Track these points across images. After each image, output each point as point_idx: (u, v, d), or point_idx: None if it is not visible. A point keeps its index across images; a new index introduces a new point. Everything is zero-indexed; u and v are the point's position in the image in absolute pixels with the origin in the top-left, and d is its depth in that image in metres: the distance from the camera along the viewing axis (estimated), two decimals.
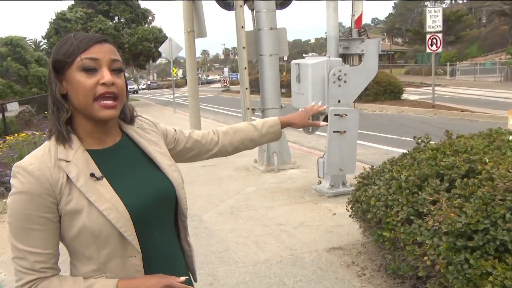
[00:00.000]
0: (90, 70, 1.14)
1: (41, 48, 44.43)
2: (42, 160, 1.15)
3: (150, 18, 30.64)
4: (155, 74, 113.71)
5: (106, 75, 1.15)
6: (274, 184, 6.58)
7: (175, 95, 21.89)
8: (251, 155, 8.41)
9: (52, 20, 25.49)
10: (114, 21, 27.77)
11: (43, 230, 1.13)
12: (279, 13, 7.63)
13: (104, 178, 1.18)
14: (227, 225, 4.96)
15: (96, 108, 1.15)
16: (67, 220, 1.15)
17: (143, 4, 30.09)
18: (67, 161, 1.15)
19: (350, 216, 3.95)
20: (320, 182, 6.06)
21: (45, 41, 26.51)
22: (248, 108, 6.98)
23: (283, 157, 7.39)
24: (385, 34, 73.99)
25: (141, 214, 1.21)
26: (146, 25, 29.23)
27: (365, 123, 13.05)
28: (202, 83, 67.71)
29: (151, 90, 62.70)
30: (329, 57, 5.42)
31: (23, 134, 9.31)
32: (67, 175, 1.14)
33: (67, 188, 1.14)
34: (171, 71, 21.63)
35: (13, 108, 20.24)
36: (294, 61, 5.68)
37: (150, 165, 1.32)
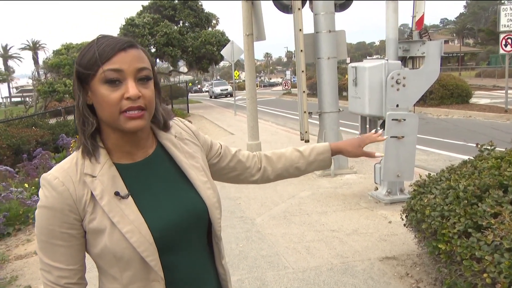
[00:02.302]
0: (114, 82, 1.05)
1: None
2: (67, 174, 1.10)
3: (214, 22, 31.24)
4: (218, 77, 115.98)
5: (131, 89, 1.05)
6: (329, 189, 6.46)
7: (237, 97, 22.19)
8: None
9: (122, 26, 26.68)
10: (179, 25, 28.58)
11: (67, 246, 1.10)
12: (340, 14, 7.50)
13: (129, 196, 1.11)
14: (278, 229, 4.93)
15: (122, 120, 1.07)
16: (90, 237, 1.11)
17: (208, 8, 30.99)
18: (93, 176, 1.10)
19: (404, 225, 3.80)
20: (376, 189, 5.88)
21: None
22: (305, 112, 6.91)
23: (340, 161, 7.25)
24: (454, 35, 70.76)
25: (167, 236, 1.12)
26: (210, 29, 29.86)
27: (428, 128, 12.53)
28: (264, 86, 68.34)
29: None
30: (387, 60, 5.25)
31: None
32: (92, 192, 1.09)
33: (91, 205, 1.09)
34: (232, 74, 21.92)
35: None
36: (351, 64, 5.56)
37: (182, 180, 1.21)
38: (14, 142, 8.93)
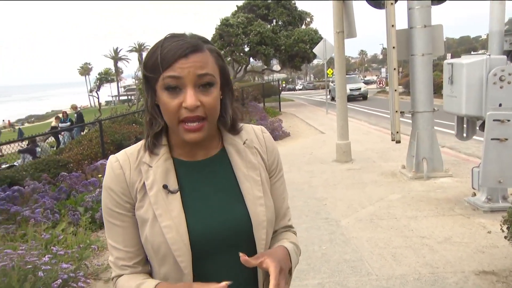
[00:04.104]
0: (174, 89, 1.02)
1: None
2: (127, 159, 1.13)
3: (308, 20, 31.11)
4: (312, 75, 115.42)
5: (189, 98, 1.01)
6: (421, 193, 6.11)
7: (329, 95, 21.88)
8: (399, 160, 7.98)
9: (217, 26, 27.58)
10: (272, 24, 28.85)
11: (122, 227, 1.13)
12: (439, 8, 7.05)
13: (178, 192, 1.10)
14: (364, 233, 4.76)
15: (180, 130, 1.05)
16: (139, 224, 1.12)
17: (301, 6, 30.83)
18: (149, 166, 1.11)
19: (505, 237, 3.46)
20: (474, 194, 5.43)
21: None
22: (396, 111, 6.60)
23: (434, 163, 6.82)
24: None
25: (204, 242, 1.09)
26: (303, 27, 29.77)
27: None
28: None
29: (307, 91, 63.88)
30: (489, 55, 4.81)
31: None
32: (144, 181, 1.10)
33: (141, 193, 1.10)
34: (325, 71, 21.65)
35: None
36: (446, 61, 5.19)
37: (235, 191, 1.15)
38: (116, 137, 9.62)
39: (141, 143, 1.16)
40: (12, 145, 10.07)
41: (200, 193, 1.13)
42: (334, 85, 27.98)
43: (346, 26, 8.33)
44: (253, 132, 1.24)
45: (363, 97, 29.71)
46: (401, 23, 6.87)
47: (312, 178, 7.64)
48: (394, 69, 6.57)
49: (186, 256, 1.07)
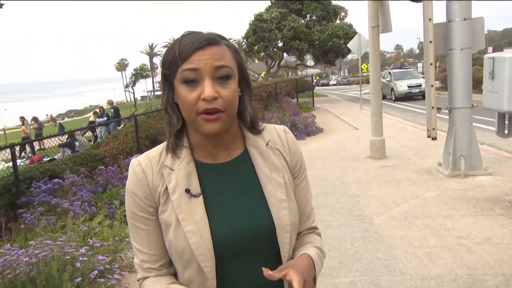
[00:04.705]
0: (191, 82, 1.02)
1: (242, 48, 48.61)
2: (150, 162, 1.13)
3: (343, 14, 30.73)
4: (346, 70, 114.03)
5: (207, 89, 1.01)
6: (458, 191, 5.94)
7: (364, 91, 21.54)
8: (435, 157, 7.79)
9: (251, 22, 27.61)
10: (306, 19, 28.66)
11: (147, 230, 1.13)
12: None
13: (201, 196, 1.09)
14: (398, 231, 4.67)
15: (199, 122, 1.04)
16: (162, 228, 1.12)
17: (336, 1, 30.38)
18: (171, 170, 1.10)
19: None
20: None
21: (245, 41, 28.86)
22: (433, 107, 6.43)
23: (472, 161, 6.61)
24: None
25: (227, 246, 1.08)
26: (338, 22, 29.43)
27: None
28: None
29: (341, 86, 63.20)
30: None
31: None
32: (166, 185, 1.10)
33: (163, 197, 1.10)
34: (359, 67, 21.33)
35: None
36: (487, 55, 5.03)
37: (258, 193, 1.13)
38: (151, 132, 9.79)
39: (162, 145, 1.16)
40: (53, 139, 10.40)
41: (222, 197, 1.12)
42: (387, 80, 24.53)
43: (381, 21, 8.17)
44: (275, 132, 1.22)
45: (424, 95, 24.34)
46: (439, 16, 6.69)
47: (345, 174, 7.56)
48: (431, 64, 6.40)
49: (210, 261, 1.06)
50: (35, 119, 21.61)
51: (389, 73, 25.77)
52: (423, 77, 18.36)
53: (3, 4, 9.69)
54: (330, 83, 78.81)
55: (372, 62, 8.63)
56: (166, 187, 1.10)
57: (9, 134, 27.41)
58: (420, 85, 22.31)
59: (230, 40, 1.19)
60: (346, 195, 6.25)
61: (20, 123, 22.34)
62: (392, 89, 24.04)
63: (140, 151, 8.78)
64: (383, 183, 6.73)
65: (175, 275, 1.16)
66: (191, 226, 1.06)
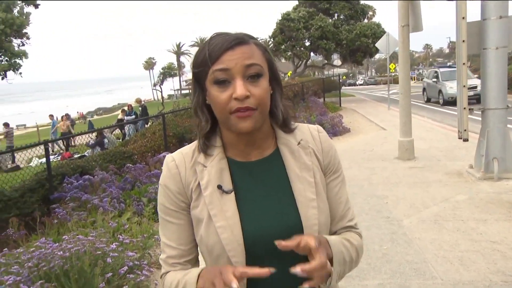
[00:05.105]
0: (223, 82, 1.03)
1: (269, 47, 48.53)
2: (183, 159, 1.15)
3: (370, 13, 30.41)
4: (373, 70, 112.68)
5: (238, 89, 1.01)
6: (491, 195, 5.78)
7: (392, 91, 21.23)
8: (466, 159, 7.63)
9: (278, 21, 27.57)
10: (334, 18, 28.45)
11: (177, 224, 1.15)
12: None
13: (233, 192, 1.10)
14: (428, 234, 4.59)
15: (232, 121, 1.04)
16: (194, 224, 1.14)
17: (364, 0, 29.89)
18: (204, 166, 1.12)
19: None
20: None
21: (272, 40, 28.82)
22: (464, 108, 6.29)
23: (506, 164, 6.43)
24: None
25: (257, 244, 1.08)
26: (366, 21, 29.12)
27: None
28: (422, 79, 64.29)
29: (368, 86, 62.52)
30: None
31: None
32: (199, 181, 1.11)
33: (196, 193, 1.12)
34: (387, 66, 21.04)
35: None
36: None
37: (288, 192, 1.13)
38: (178, 131, 9.89)
39: (196, 143, 1.18)
40: (83, 136, 10.63)
41: (253, 194, 1.12)
42: (434, 81, 21.02)
43: (411, 20, 8.04)
44: (308, 132, 1.21)
45: (478, 100, 14.17)
46: (473, 13, 6.52)
47: (372, 175, 7.47)
48: (463, 64, 6.26)
49: (240, 256, 1.07)
50: (67, 116, 22.15)
51: (436, 72, 22.58)
52: (477, 77, 16.83)
53: (39, 5, 9.95)
54: (357, 82, 78.11)
55: (402, 62, 8.50)
56: (199, 183, 1.12)
57: (40, 131, 28.17)
58: (476, 87, 16.74)
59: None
60: (374, 196, 6.17)
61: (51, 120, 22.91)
62: (440, 91, 20.70)
63: (167, 149, 8.89)
64: (412, 185, 6.61)
65: None
66: (222, 221, 1.08)
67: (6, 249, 3.69)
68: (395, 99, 22.43)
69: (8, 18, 8.86)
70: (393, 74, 26.22)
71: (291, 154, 1.15)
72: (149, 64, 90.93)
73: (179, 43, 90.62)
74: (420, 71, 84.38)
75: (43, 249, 3.34)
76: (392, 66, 22.56)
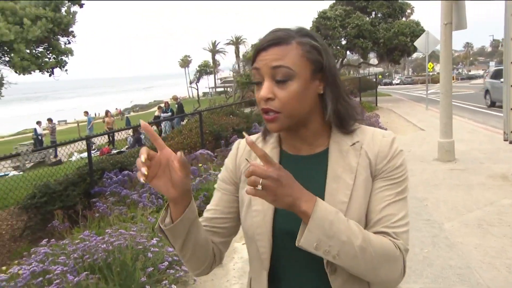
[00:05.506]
0: (257, 82, 1.06)
1: None
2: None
3: (409, 11, 29.77)
4: (410, 69, 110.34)
5: (262, 90, 1.04)
6: None
7: (430, 91, 20.73)
8: (511, 162, 7.34)
9: (314, 19, 27.37)
10: (371, 17, 28.00)
11: (222, 193, 1.23)
12: None
13: None
14: (471, 239, 4.44)
15: (264, 119, 1.09)
16: (239, 204, 1.21)
17: None
18: None
19: None
20: None
21: None
22: (511, 109, 6.06)
23: None
24: None
25: (284, 236, 1.08)
26: (404, 19, 28.52)
27: None
28: (461, 79, 62.57)
29: (404, 85, 61.29)
30: None
31: None
32: None
33: (244, 177, 1.17)
34: (426, 66, 20.53)
35: None
36: None
37: (323, 190, 1.10)
38: (215, 128, 9.97)
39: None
40: (120, 132, 10.88)
41: None
42: (502, 81, 20.12)
43: (455, 18, 7.80)
44: (370, 134, 1.14)
45: None
46: None
47: (411, 176, 7.29)
48: (511, 62, 6.03)
49: (266, 241, 1.10)
50: (109, 112, 22.74)
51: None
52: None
53: (84, 4, 10.24)
54: (393, 82, 76.67)
55: (443, 61, 8.26)
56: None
57: (80, 127, 29.02)
58: None
59: None
60: (413, 198, 6.02)
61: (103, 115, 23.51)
62: None
63: (204, 146, 8.97)
64: (453, 187, 6.43)
65: (218, 247, 1.22)
66: (258, 206, 1.12)
67: (53, 239, 3.81)
68: (433, 99, 21.93)
69: (56, 17, 9.21)
70: (431, 73, 25.55)
71: (338, 153, 1.12)
72: (185, 62, 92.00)
73: (215, 41, 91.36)
74: (460, 70, 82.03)
75: (87, 242, 3.43)
76: (430, 65, 22.02)
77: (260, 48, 1.05)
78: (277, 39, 1.04)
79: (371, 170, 1.11)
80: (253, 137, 1.21)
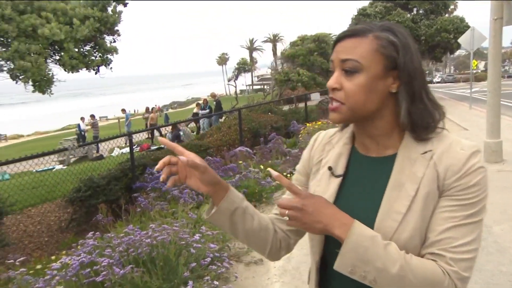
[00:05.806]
0: (333, 71, 1.08)
1: None
2: (326, 135, 1.26)
3: (452, 7, 28.88)
4: (452, 67, 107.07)
5: (330, 79, 1.06)
6: None
7: (473, 89, 20.07)
8: None
9: (354, 16, 26.98)
10: (412, 13, 27.32)
11: (295, 182, 1.27)
12: None
13: (340, 178, 1.13)
14: None
15: None
16: None
17: None
18: (333, 147, 1.20)
19: None
20: None
21: None
22: None
23: None
24: None
25: (335, 244, 1.02)
26: (447, 15, 27.68)
27: None
28: (508, 77, 60.19)
29: (445, 84, 59.57)
30: None
31: (320, 122, 10.23)
32: (322, 158, 1.20)
33: (316, 167, 1.21)
34: (470, 63, 19.84)
35: (315, 98, 22.67)
36: None
37: (381, 197, 1.05)
38: (253, 126, 9.99)
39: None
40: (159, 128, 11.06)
41: (355, 188, 1.12)
42: None
43: (506, 12, 7.47)
44: (448, 144, 1.03)
45: None
46: None
47: None
48: None
49: (317, 243, 1.14)
50: (147, 109, 23.20)
51: None
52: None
53: (127, 3, 10.48)
54: (434, 80, 74.60)
55: (492, 58, 7.94)
56: (321, 160, 1.21)
57: (121, 123, 29.72)
58: None
59: (330, 35, 1.21)
60: None
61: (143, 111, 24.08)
62: None
63: (242, 143, 8.99)
64: (502, 189, 6.17)
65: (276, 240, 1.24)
66: None
67: (98, 232, 3.90)
68: (477, 98, 21.20)
69: (103, 17, 9.49)
70: (474, 71, 24.69)
71: (406, 160, 1.04)
72: (222, 60, 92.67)
73: (252, 39, 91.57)
74: (506, 67, 78.94)
75: (131, 236, 3.49)
76: (474, 62, 21.27)
77: (337, 39, 1.07)
78: (354, 31, 1.05)
79: (438, 185, 1.01)
80: (330, 131, 1.26)
